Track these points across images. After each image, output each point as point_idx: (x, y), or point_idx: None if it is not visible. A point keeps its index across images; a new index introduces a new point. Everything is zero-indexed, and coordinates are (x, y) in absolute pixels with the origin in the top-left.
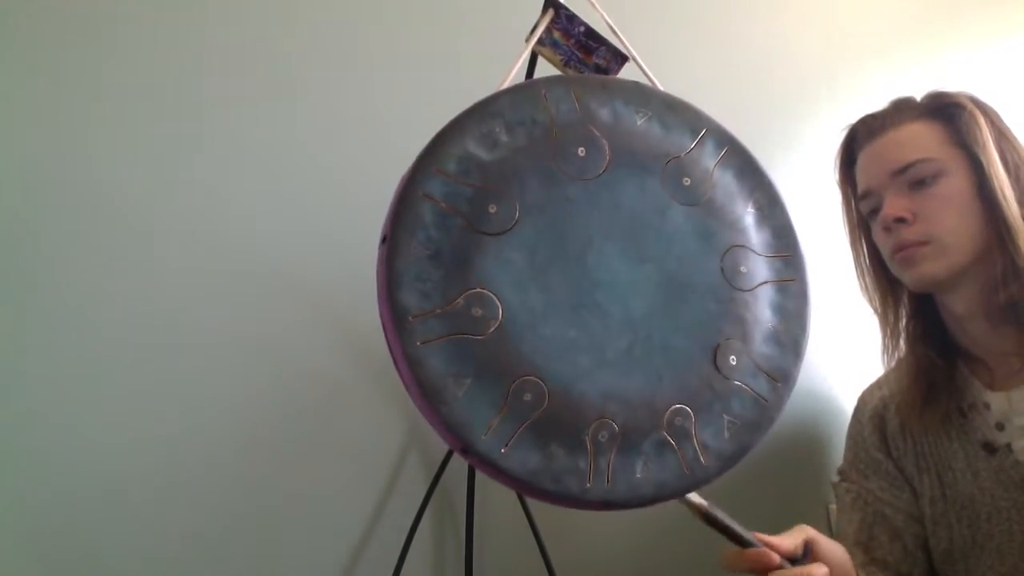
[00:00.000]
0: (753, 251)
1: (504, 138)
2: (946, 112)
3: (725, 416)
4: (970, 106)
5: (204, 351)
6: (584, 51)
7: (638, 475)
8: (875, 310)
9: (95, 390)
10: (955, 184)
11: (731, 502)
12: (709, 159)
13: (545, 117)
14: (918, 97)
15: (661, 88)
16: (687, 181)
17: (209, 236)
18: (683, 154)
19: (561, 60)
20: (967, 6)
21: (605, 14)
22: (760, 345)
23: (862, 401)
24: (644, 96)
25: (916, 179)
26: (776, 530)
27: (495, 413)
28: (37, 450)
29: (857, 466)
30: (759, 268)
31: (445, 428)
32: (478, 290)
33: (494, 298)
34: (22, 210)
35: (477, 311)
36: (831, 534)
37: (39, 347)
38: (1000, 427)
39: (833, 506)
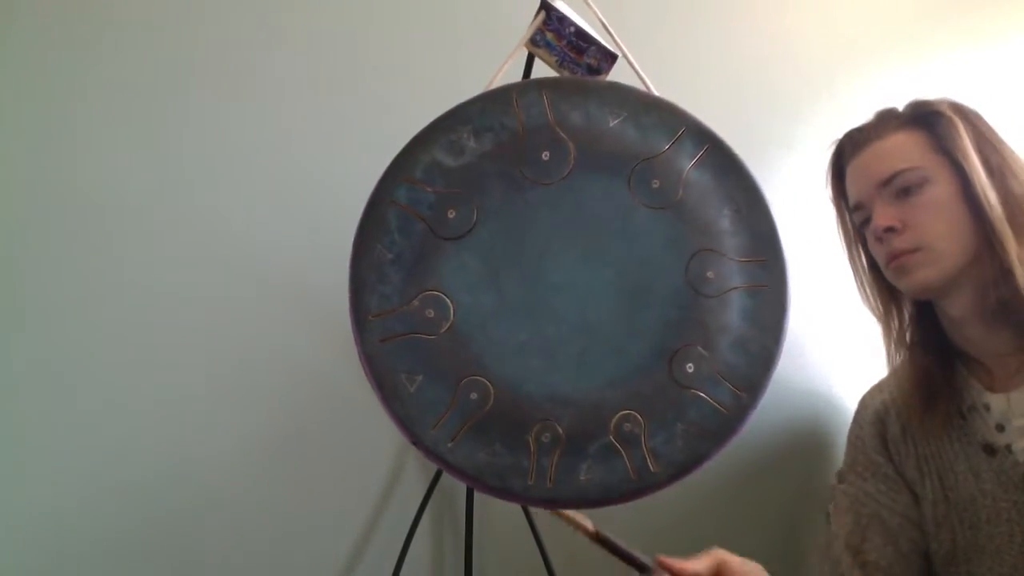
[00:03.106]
0: (725, 255)
1: (471, 144)
2: (927, 120)
3: (679, 424)
4: (948, 112)
5: (205, 353)
6: (575, 51)
7: (582, 477)
8: (878, 319)
9: (93, 394)
10: (940, 190)
11: (730, 503)
12: (685, 159)
13: (514, 122)
14: (901, 107)
15: (651, 85)
16: (656, 184)
17: (209, 240)
18: (655, 156)
19: (556, 61)
20: (967, 6)
21: (599, 12)
22: (724, 353)
23: (863, 405)
24: (620, 97)
25: (902, 188)
26: (774, 529)
27: (443, 409)
28: (38, 454)
29: (855, 468)
30: (730, 273)
31: (397, 421)
32: (432, 292)
33: (447, 300)
34: (24, 215)
35: (430, 312)
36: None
37: (39, 351)
38: (1000, 428)
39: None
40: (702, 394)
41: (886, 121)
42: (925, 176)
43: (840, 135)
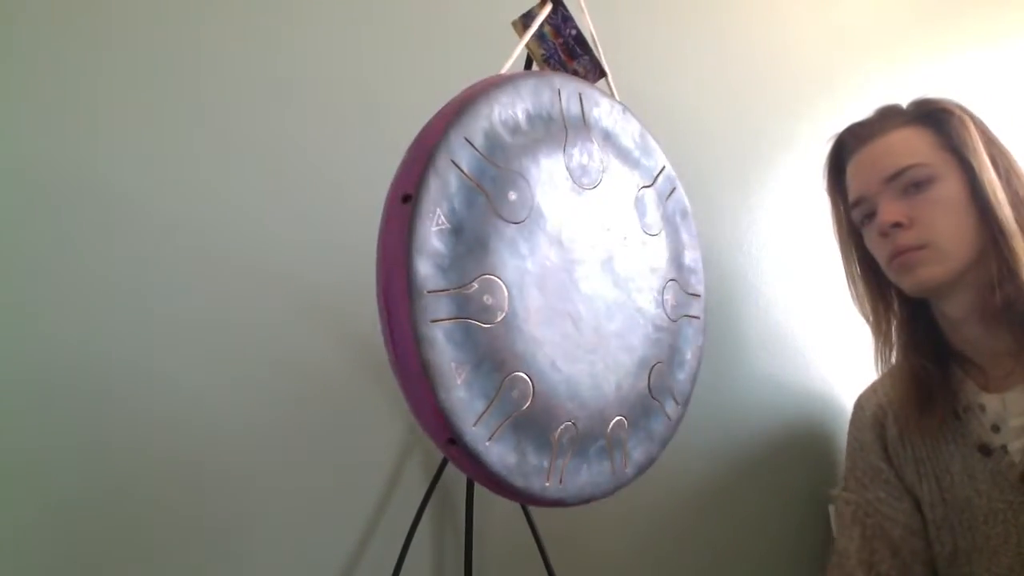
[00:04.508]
0: (680, 286)
1: (524, 125)
2: (934, 118)
3: (643, 430)
4: (958, 111)
5: (204, 352)
6: (567, 54)
7: (582, 477)
8: (867, 318)
9: (91, 390)
10: (949, 188)
11: (730, 502)
12: (663, 195)
13: (559, 115)
14: (904, 104)
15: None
16: (649, 213)
17: (208, 237)
18: (650, 185)
19: (543, 55)
20: (967, 6)
21: (592, 25)
22: (674, 370)
23: (859, 408)
24: (627, 120)
25: (910, 184)
26: (773, 529)
27: (486, 405)
28: (36, 455)
29: (855, 474)
30: (682, 302)
31: (438, 415)
32: (491, 276)
33: (504, 288)
34: (23, 213)
35: (488, 298)
36: (830, 536)
37: (39, 349)
38: (995, 429)
39: (832, 508)
40: (661, 405)
41: (890, 117)
42: (933, 173)
43: (840, 129)
